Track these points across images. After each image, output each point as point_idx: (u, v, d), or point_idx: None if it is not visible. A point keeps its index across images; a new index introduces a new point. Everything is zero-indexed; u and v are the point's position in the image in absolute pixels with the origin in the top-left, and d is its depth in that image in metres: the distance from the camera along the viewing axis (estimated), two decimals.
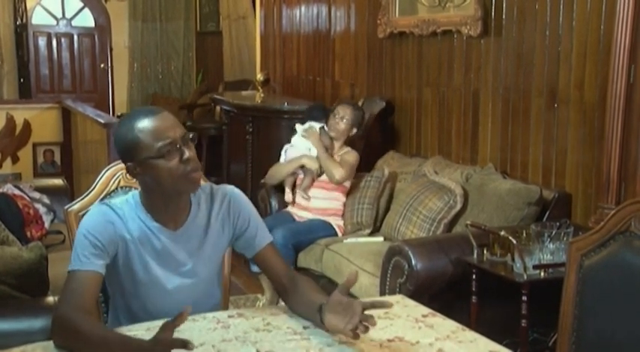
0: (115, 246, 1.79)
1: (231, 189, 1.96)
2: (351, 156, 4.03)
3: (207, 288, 1.95)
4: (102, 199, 2.04)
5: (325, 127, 4.11)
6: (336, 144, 4.09)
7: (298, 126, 4.19)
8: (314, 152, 4.04)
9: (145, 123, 1.73)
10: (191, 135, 1.78)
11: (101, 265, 1.74)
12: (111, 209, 1.81)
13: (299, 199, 4.09)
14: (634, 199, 1.95)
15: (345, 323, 1.58)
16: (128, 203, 1.83)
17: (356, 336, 1.56)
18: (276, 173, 4.18)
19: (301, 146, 4.12)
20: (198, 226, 1.87)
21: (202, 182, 1.90)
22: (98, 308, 1.95)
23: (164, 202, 1.81)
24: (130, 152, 1.75)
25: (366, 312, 1.57)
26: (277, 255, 1.97)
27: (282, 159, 4.20)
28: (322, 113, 4.22)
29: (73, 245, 1.78)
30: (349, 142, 4.21)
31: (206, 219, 1.89)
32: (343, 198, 4.04)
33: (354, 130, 4.13)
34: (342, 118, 4.06)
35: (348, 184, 4.04)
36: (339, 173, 3.92)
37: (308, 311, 1.75)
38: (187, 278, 1.87)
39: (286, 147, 4.21)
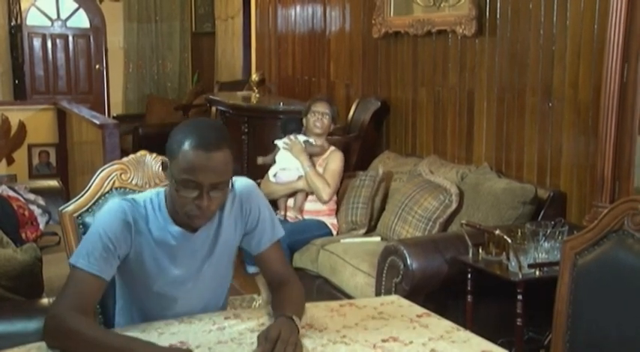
0: (128, 247, 1.76)
1: (244, 184, 1.92)
2: (336, 160, 4.00)
3: (219, 283, 1.96)
4: (97, 200, 2.03)
5: (310, 140, 4.03)
6: (320, 141, 4.08)
7: (278, 142, 4.09)
8: (302, 171, 3.97)
9: (191, 150, 1.66)
10: (229, 184, 1.72)
11: (108, 271, 1.71)
12: (133, 207, 1.77)
13: (290, 213, 4.06)
14: (627, 197, 1.96)
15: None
16: (152, 203, 1.80)
17: None
18: (272, 193, 4.05)
19: (291, 167, 4.01)
20: (214, 227, 1.86)
21: None
22: (95, 311, 1.94)
23: None
24: (168, 155, 1.73)
25: None
26: (278, 255, 1.96)
27: (271, 178, 4.10)
28: (298, 124, 4.15)
29: (85, 235, 1.75)
30: (343, 145, 4.21)
31: (219, 219, 1.87)
32: (334, 197, 4.04)
33: (332, 125, 4.12)
34: (323, 114, 4.06)
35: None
36: (326, 193, 3.93)
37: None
38: (202, 277, 1.87)
39: (275, 170, 4.08)
